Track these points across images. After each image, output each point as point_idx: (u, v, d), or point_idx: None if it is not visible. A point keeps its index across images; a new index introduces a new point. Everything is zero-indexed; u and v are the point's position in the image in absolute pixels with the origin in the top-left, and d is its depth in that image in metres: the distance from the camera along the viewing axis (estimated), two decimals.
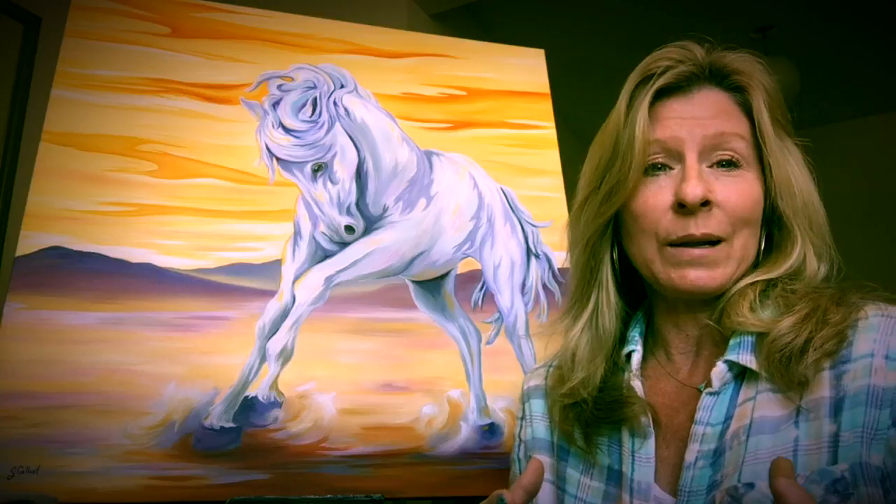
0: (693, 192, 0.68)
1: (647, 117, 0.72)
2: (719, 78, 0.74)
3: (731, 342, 0.68)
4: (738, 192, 0.69)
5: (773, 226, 0.73)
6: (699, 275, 0.69)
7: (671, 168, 0.71)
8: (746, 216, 0.69)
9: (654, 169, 0.72)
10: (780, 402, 0.63)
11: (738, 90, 0.74)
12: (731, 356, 0.67)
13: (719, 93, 0.73)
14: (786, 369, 0.62)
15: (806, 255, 0.70)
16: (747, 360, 0.66)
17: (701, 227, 0.68)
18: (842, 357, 0.63)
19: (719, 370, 0.67)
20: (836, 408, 0.61)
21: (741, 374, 0.67)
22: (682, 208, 0.69)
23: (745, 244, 0.70)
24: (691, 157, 0.70)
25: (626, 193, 0.72)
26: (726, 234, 0.69)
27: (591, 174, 0.76)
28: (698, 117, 0.71)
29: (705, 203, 0.68)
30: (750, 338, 0.67)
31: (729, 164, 0.70)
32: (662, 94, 0.74)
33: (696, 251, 0.69)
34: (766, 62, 0.75)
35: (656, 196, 0.71)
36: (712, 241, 0.69)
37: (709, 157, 0.70)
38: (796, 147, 0.74)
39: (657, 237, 0.71)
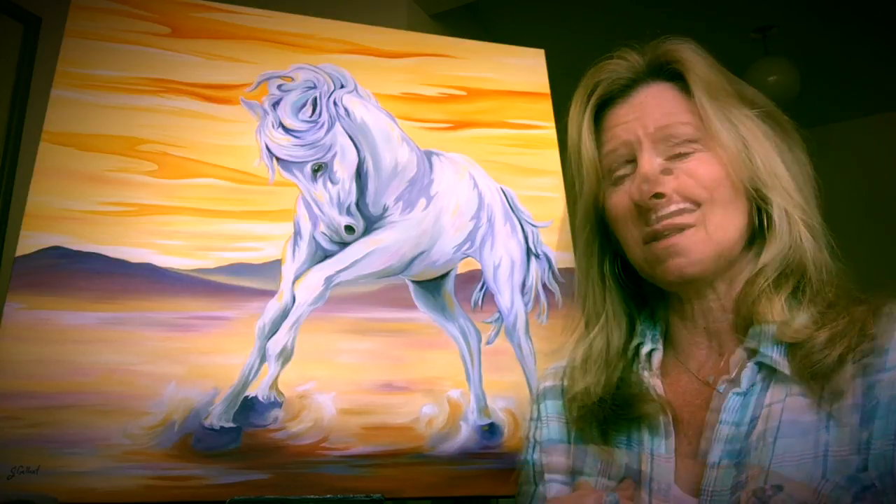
0: (639, 189, 0.70)
1: (591, 137, 0.75)
2: (656, 72, 0.76)
3: (751, 331, 0.67)
4: (695, 174, 0.70)
5: (758, 207, 0.72)
6: (679, 263, 0.69)
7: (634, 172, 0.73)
8: (708, 196, 0.69)
9: (621, 178, 0.75)
10: (810, 407, 0.63)
11: (677, 77, 0.75)
12: (754, 346, 0.66)
13: (658, 85, 0.75)
14: (820, 379, 0.62)
15: (791, 225, 0.69)
16: (779, 362, 0.65)
17: (662, 219, 0.69)
18: (876, 366, 0.62)
19: (749, 371, 0.66)
20: (869, 415, 0.60)
21: (768, 374, 0.66)
22: (640, 207, 0.71)
23: (719, 224, 0.70)
24: (641, 157, 0.71)
25: (590, 210, 0.77)
26: (694, 219, 0.69)
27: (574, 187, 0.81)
28: (640, 117, 0.73)
29: (660, 196, 0.69)
30: (770, 327, 0.66)
31: (685, 152, 0.71)
32: (607, 106, 0.77)
33: (668, 241, 0.69)
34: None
35: (622, 201, 0.73)
36: (682, 229, 0.69)
37: (663, 150, 0.72)
38: (755, 118, 0.73)
39: (633, 239, 0.73)
